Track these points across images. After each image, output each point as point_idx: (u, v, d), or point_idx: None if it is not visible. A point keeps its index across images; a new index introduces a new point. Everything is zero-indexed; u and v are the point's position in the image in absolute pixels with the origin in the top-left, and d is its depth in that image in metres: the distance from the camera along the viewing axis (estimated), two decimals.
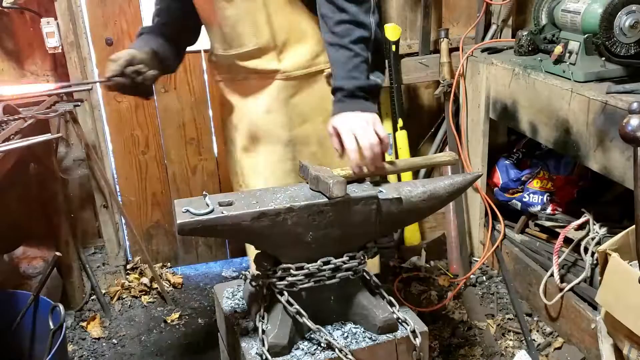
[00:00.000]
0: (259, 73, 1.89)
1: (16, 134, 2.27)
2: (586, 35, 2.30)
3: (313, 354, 1.46)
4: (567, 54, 2.38)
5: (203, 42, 3.04)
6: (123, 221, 3.22)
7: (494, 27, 3.18)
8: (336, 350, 1.43)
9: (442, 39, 3.00)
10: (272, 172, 1.96)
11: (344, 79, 1.59)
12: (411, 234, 3.21)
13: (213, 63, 2.04)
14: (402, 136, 3.05)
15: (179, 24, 1.99)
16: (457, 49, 3.07)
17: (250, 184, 1.98)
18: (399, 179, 2.76)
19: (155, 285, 3.13)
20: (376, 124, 1.56)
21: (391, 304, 1.57)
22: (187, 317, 2.96)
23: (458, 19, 3.22)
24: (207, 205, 1.39)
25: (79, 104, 2.76)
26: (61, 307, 2.19)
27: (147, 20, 2.94)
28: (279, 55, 1.86)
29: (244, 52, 1.87)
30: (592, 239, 2.50)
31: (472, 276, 3.09)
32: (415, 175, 3.10)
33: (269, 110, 1.92)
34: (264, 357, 1.42)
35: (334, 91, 1.61)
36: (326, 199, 1.42)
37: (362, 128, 1.53)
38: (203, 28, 2.04)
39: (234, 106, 2.00)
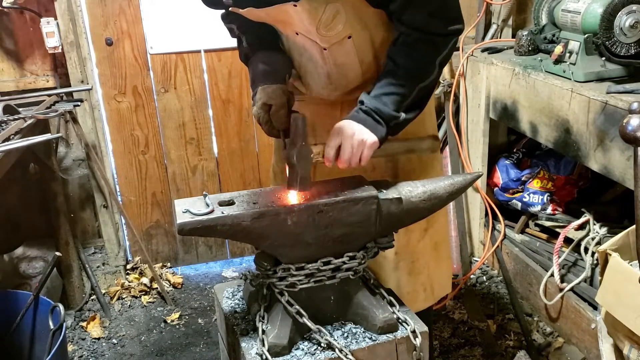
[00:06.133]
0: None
1: (16, 134, 2.27)
2: (586, 35, 2.30)
3: (313, 354, 1.45)
4: (567, 54, 2.38)
5: (203, 41, 3.07)
6: (123, 221, 3.22)
7: (494, 26, 3.18)
8: (336, 350, 1.42)
9: None
10: None
11: (373, 99, 1.54)
12: None
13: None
14: None
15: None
16: (457, 48, 3.07)
17: None
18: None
19: (155, 285, 3.13)
20: (369, 148, 1.52)
21: (391, 304, 1.57)
22: (187, 317, 2.96)
23: None
24: (207, 205, 1.39)
25: (79, 103, 2.76)
26: (61, 307, 2.19)
27: (147, 20, 2.95)
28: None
29: (349, 90, 1.78)
30: (592, 239, 2.50)
31: (472, 276, 3.08)
32: None
33: None
34: (264, 357, 1.42)
35: (361, 101, 1.56)
36: (326, 199, 1.43)
37: (352, 145, 1.49)
38: None
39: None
